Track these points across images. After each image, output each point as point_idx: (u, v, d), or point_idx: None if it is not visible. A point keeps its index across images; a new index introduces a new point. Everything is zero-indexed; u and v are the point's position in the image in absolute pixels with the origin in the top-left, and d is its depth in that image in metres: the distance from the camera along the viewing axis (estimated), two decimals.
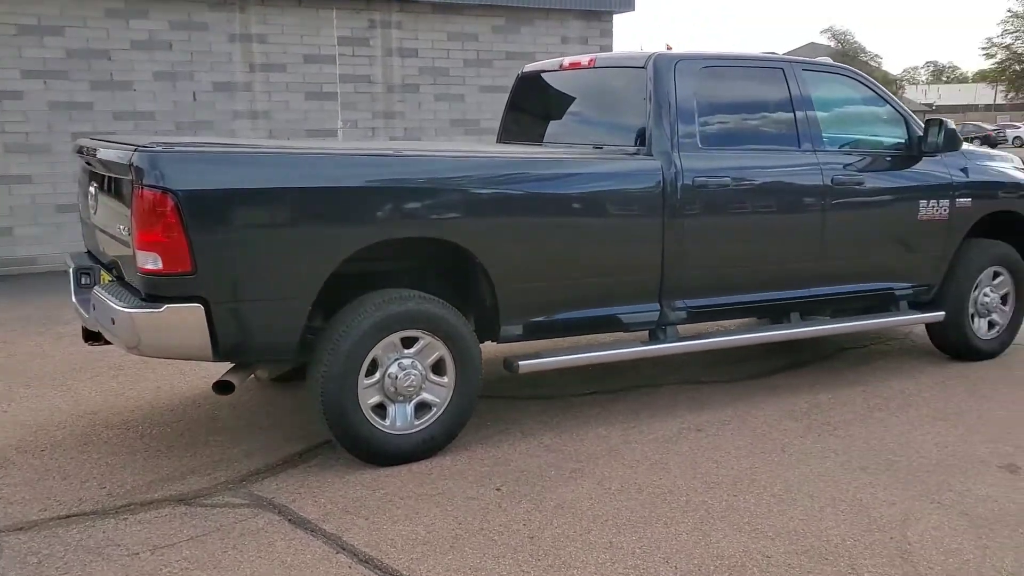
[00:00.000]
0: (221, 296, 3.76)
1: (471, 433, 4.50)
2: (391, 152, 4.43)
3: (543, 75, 5.86)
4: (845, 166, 5.37)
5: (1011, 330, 6.28)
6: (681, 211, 4.73)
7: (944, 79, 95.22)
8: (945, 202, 5.78)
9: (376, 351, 4.10)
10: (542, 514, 3.70)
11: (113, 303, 3.80)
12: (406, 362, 4.18)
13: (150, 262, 3.65)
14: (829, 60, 5.83)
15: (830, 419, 4.91)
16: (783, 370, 5.89)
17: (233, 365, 4.19)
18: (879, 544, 3.44)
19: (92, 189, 4.46)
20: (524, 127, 5.97)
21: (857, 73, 5.81)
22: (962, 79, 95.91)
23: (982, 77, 64.12)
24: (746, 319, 6.17)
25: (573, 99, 5.68)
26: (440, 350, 4.25)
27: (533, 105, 5.97)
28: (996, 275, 6.14)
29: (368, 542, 3.46)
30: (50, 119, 9.42)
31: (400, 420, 4.21)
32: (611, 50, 11.52)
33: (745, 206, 5.04)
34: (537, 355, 4.65)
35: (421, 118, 10.57)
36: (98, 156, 4.17)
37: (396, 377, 4.16)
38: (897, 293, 5.82)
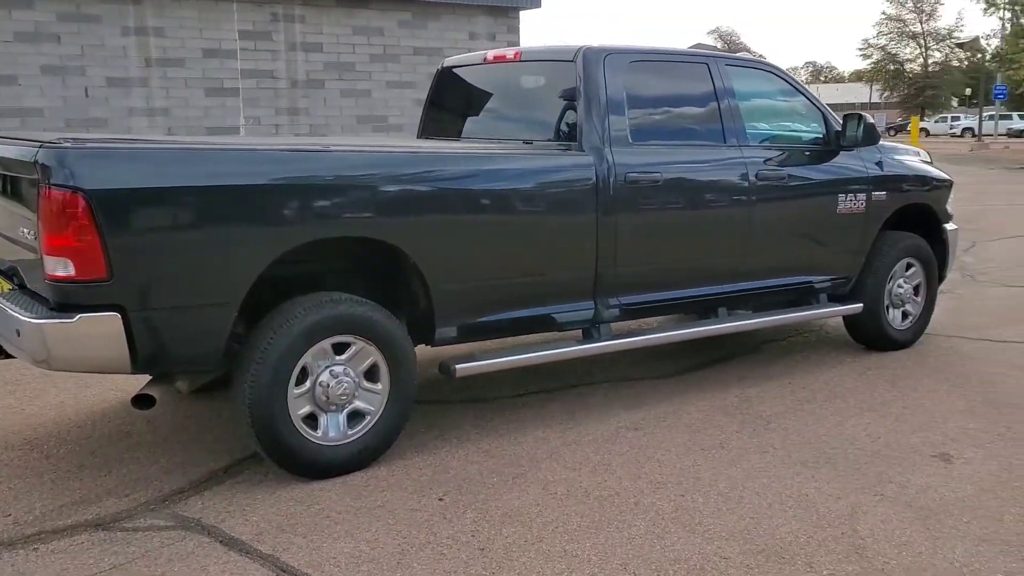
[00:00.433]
0: (140, 304, 3.48)
1: (405, 441, 4.32)
2: (321, 147, 4.21)
3: (465, 69, 5.70)
4: (767, 161, 5.39)
5: (923, 320, 6.45)
6: (614, 207, 4.65)
7: (822, 79, 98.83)
8: (862, 196, 5.88)
9: (306, 358, 3.88)
10: (490, 524, 3.56)
11: (17, 313, 3.48)
12: (338, 369, 3.98)
13: (60, 268, 3.35)
14: (748, 55, 5.86)
15: (762, 413, 4.92)
16: (710, 364, 5.89)
17: (152, 377, 3.91)
18: (832, 540, 3.42)
19: None
20: (446, 123, 5.80)
21: (777, 68, 5.85)
22: (839, 79, 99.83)
23: (858, 77, 66.80)
24: (673, 315, 6.16)
25: (498, 93, 5.55)
26: (374, 356, 4.06)
27: (455, 100, 5.80)
28: (909, 266, 6.29)
29: (309, 562, 3.25)
30: None
31: (333, 430, 4.01)
32: (519, 46, 11.43)
33: (676, 202, 5.00)
34: (473, 357, 4.50)
35: (327, 114, 10.26)
36: None
37: (328, 385, 3.95)
38: (817, 286, 5.90)
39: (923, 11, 61.39)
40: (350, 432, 4.05)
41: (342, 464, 4.02)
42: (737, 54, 5.91)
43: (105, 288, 3.39)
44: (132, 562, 3.24)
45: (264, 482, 3.95)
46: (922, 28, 61.57)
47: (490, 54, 5.48)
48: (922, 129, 47.93)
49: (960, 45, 58.33)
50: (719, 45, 67.72)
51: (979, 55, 55.66)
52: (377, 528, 3.52)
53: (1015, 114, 56.42)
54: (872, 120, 5.75)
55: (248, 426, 3.80)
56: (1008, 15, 51.18)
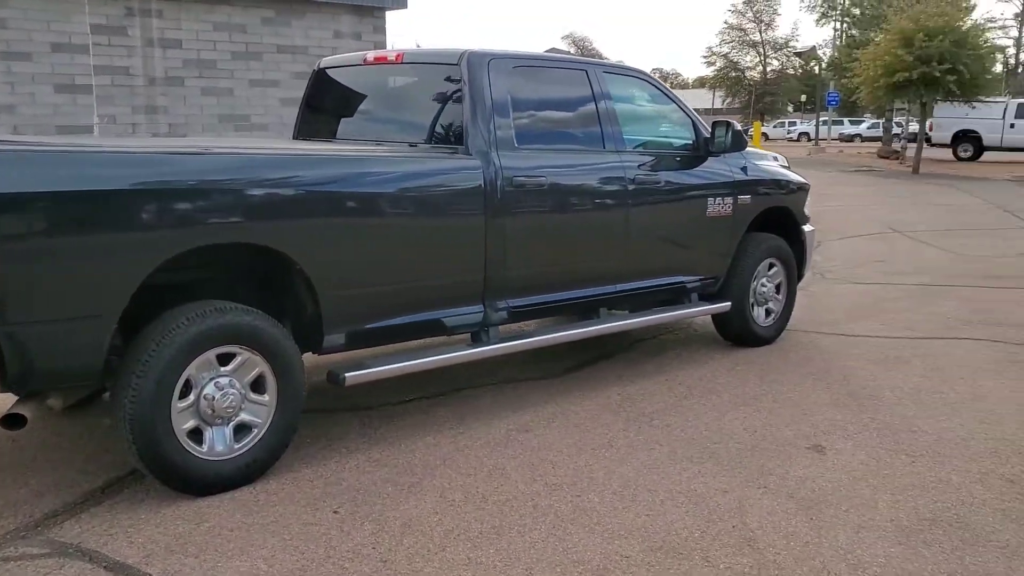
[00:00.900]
0: (8, 318, 3.24)
1: (291, 453, 4.19)
2: (202, 149, 4.03)
3: (344, 70, 5.59)
4: (642, 166, 5.54)
5: (785, 316, 6.79)
6: (502, 210, 4.67)
7: (668, 84, 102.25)
8: (729, 199, 6.13)
9: (190, 370, 3.72)
10: (389, 534, 3.51)
11: None
12: (223, 381, 3.82)
13: None
14: (624, 62, 6.01)
15: (644, 410, 5.05)
16: (589, 364, 6.01)
17: (21, 395, 3.65)
18: (724, 534, 3.55)
19: None
20: (323, 124, 5.66)
21: (649, 76, 6.02)
22: (683, 84, 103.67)
23: (701, 83, 69.53)
24: (551, 317, 6.23)
25: (379, 95, 5.47)
26: (260, 366, 3.92)
27: (333, 101, 5.68)
28: (771, 266, 6.61)
29: None
30: None
31: (219, 444, 3.85)
32: (384, 46, 11.31)
33: (560, 205, 5.07)
34: (363, 365, 4.41)
35: (187, 113, 9.84)
36: None
37: (213, 398, 3.79)
38: (689, 286, 6.12)
39: (762, 21, 64.39)
40: (237, 446, 3.90)
41: (229, 479, 3.87)
42: (614, 61, 6.02)
43: None
44: None
45: (146, 501, 3.76)
46: (761, 37, 64.61)
47: (370, 55, 5.40)
48: (762, 134, 50.34)
49: (799, 54, 61.57)
50: (572, 50, 69.01)
51: (813, 63, 58.88)
52: (273, 544, 3.41)
53: (846, 120, 60.12)
54: (740, 127, 6.00)
55: (129, 443, 3.60)
56: (841, 25, 54.46)
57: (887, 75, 25.34)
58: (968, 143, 31.16)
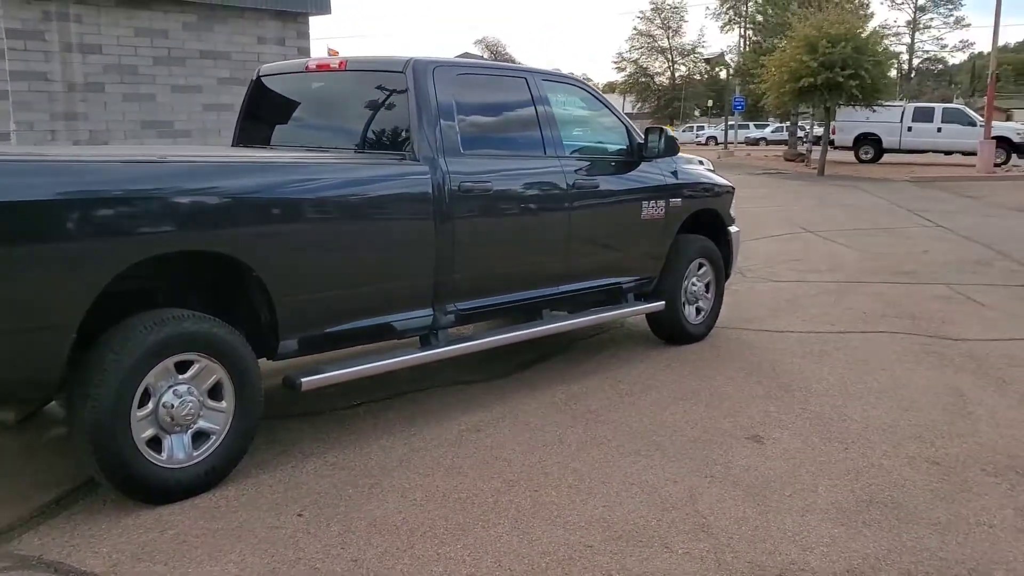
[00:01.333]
0: None
1: (247, 459, 4.19)
2: (156, 158, 4.02)
3: (285, 76, 5.61)
4: (580, 171, 5.69)
5: (714, 314, 7.05)
6: (450, 215, 4.77)
7: None
8: (662, 203, 6.35)
9: (149, 379, 3.71)
10: (357, 535, 3.57)
11: None
12: (182, 388, 3.83)
13: None
14: (561, 70, 6.17)
15: (590, 407, 5.21)
16: (532, 364, 6.14)
17: None
18: (679, 521, 3.72)
19: None
20: (263, 131, 5.67)
21: (585, 84, 6.20)
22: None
23: (611, 88, 70.63)
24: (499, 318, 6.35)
25: (321, 102, 5.50)
26: (218, 373, 3.94)
27: (274, 108, 5.69)
28: (701, 266, 6.85)
29: None
30: None
31: (178, 452, 3.85)
32: (309, 52, 11.27)
33: (505, 210, 5.20)
34: (318, 370, 4.45)
35: (108, 119, 9.64)
36: None
37: (172, 406, 3.79)
38: (625, 287, 6.31)
39: (670, 28, 65.92)
40: (195, 453, 3.91)
41: (189, 486, 3.87)
42: (551, 69, 6.18)
43: None
44: None
45: (104, 510, 3.74)
46: (669, 44, 66.10)
47: (312, 62, 5.43)
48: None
49: (707, 60, 63.15)
50: (485, 55, 69.27)
51: (720, 68, 60.51)
52: (242, 549, 3.44)
53: (751, 124, 61.92)
54: (672, 133, 6.22)
55: (88, 453, 3.58)
56: (746, 32, 56.04)
57: (793, 80, 26.27)
58: (869, 146, 32.40)
